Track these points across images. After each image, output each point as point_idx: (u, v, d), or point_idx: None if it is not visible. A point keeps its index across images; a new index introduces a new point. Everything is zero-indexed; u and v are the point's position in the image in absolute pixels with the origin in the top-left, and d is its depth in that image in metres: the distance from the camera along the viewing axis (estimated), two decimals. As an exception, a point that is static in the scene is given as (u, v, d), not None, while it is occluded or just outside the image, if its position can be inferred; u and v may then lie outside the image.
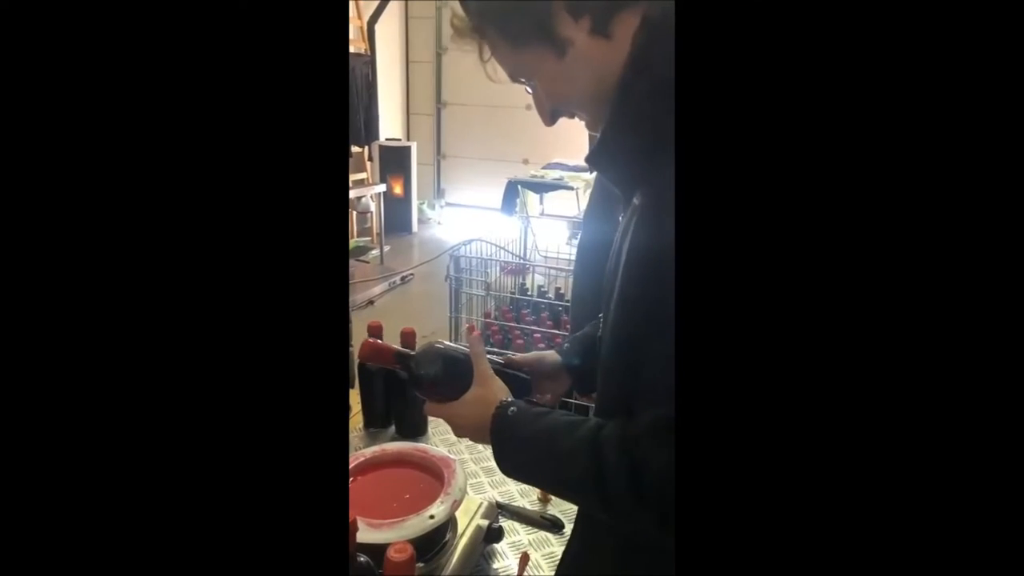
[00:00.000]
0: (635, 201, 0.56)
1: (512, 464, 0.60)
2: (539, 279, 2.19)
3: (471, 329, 1.87)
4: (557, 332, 1.72)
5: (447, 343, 0.71)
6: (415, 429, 1.11)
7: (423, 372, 0.67)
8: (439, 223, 5.58)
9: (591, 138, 0.62)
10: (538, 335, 1.80)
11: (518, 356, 0.80)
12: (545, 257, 2.30)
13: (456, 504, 0.75)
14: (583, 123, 0.62)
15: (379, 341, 0.71)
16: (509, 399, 0.62)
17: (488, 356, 0.69)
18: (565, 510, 0.92)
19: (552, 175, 3.66)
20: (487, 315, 1.95)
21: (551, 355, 0.81)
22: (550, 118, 0.62)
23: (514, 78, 0.61)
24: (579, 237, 1.42)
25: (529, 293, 2.10)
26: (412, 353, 0.71)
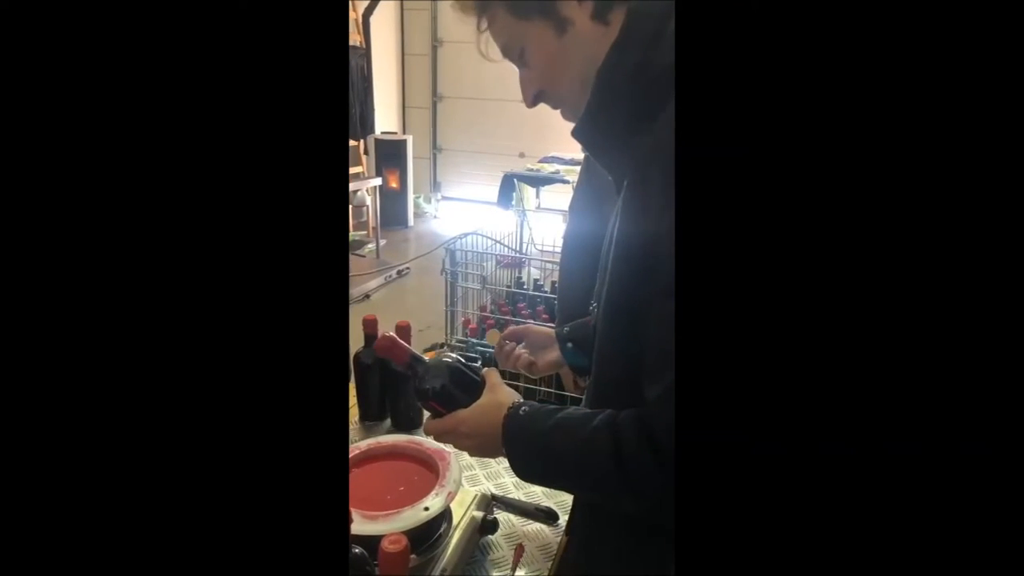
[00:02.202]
0: (625, 182, 0.58)
1: (528, 464, 0.59)
2: (535, 272, 2.19)
3: (467, 323, 1.88)
4: (553, 326, 1.72)
5: (460, 358, 0.69)
6: (411, 422, 1.11)
7: (427, 386, 0.66)
8: (435, 217, 5.56)
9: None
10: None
11: (511, 328, 0.83)
12: (541, 251, 2.30)
13: (451, 496, 0.75)
14: (561, 112, 0.62)
15: (398, 338, 0.69)
16: (520, 401, 0.62)
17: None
18: (560, 501, 0.92)
19: (548, 169, 3.65)
20: (483, 309, 1.96)
21: (545, 329, 0.84)
22: (533, 100, 0.62)
23: (507, 53, 0.61)
24: (565, 229, 1.42)
25: (525, 286, 2.10)
26: (426, 360, 0.69)
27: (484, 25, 0.60)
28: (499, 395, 0.64)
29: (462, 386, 0.66)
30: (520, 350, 0.88)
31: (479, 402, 0.64)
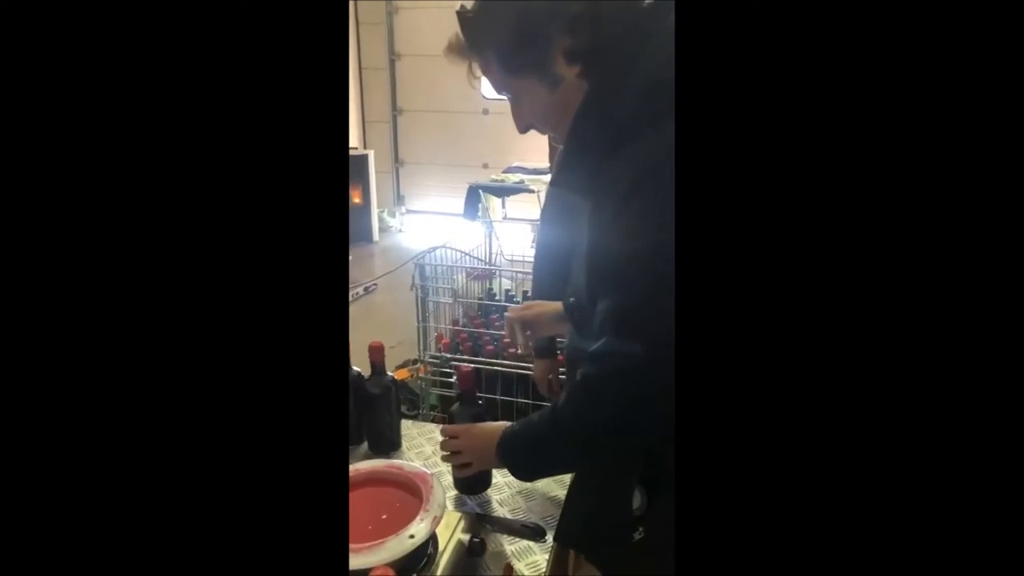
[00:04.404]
0: (591, 204, 0.70)
1: (523, 462, 0.76)
2: (506, 283, 2.18)
3: (440, 338, 1.85)
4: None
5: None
6: (389, 443, 1.08)
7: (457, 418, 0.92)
8: (400, 231, 5.51)
9: (551, 146, 0.75)
10: (508, 339, 1.79)
11: (522, 315, 1.01)
12: (511, 261, 2.30)
13: (436, 520, 0.73)
14: (547, 135, 0.77)
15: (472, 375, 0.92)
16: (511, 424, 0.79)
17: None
18: (546, 517, 0.91)
19: (513, 179, 3.65)
20: (455, 322, 1.93)
21: (552, 306, 1.00)
22: (524, 128, 0.72)
23: (500, 92, 0.70)
24: (537, 234, 1.43)
25: (497, 298, 2.08)
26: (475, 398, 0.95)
27: (477, 72, 0.69)
28: (498, 424, 0.82)
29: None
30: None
31: (486, 423, 0.84)
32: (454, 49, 0.68)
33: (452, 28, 0.70)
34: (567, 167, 0.69)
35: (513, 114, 0.72)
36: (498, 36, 0.64)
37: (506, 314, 1.05)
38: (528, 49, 0.63)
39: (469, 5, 0.67)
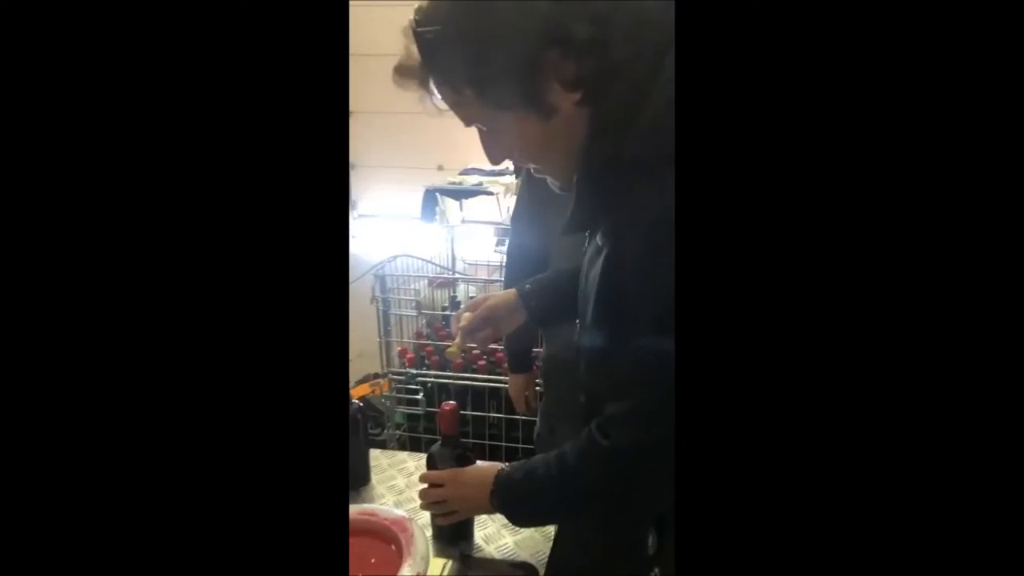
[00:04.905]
0: (597, 241, 0.60)
1: (525, 512, 0.69)
2: (471, 290, 2.10)
3: (403, 352, 1.74)
4: (497, 347, 1.63)
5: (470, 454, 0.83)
6: (357, 478, 0.98)
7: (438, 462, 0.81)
8: (354, 236, 5.35)
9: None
10: (476, 351, 1.70)
11: (474, 317, 0.85)
12: (475, 266, 2.22)
13: (420, 577, 0.64)
14: (536, 168, 0.62)
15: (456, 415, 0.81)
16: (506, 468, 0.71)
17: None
18: (536, 553, 0.83)
19: (471, 181, 3.57)
20: (419, 335, 1.83)
21: (504, 297, 0.87)
22: (499, 160, 0.60)
23: (469, 124, 0.57)
24: (509, 241, 1.36)
25: (462, 306, 1.99)
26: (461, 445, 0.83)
27: (440, 104, 0.56)
28: (489, 466, 0.73)
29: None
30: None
31: (473, 466, 0.77)
32: (405, 72, 0.53)
33: (404, 27, 0.54)
34: (582, 213, 0.58)
35: (485, 146, 0.59)
36: (474, 63, 0.50)
37: (456, 323, 0.87)
38: (518, 79, 0.50)
39: (426, 9, 0.52)
